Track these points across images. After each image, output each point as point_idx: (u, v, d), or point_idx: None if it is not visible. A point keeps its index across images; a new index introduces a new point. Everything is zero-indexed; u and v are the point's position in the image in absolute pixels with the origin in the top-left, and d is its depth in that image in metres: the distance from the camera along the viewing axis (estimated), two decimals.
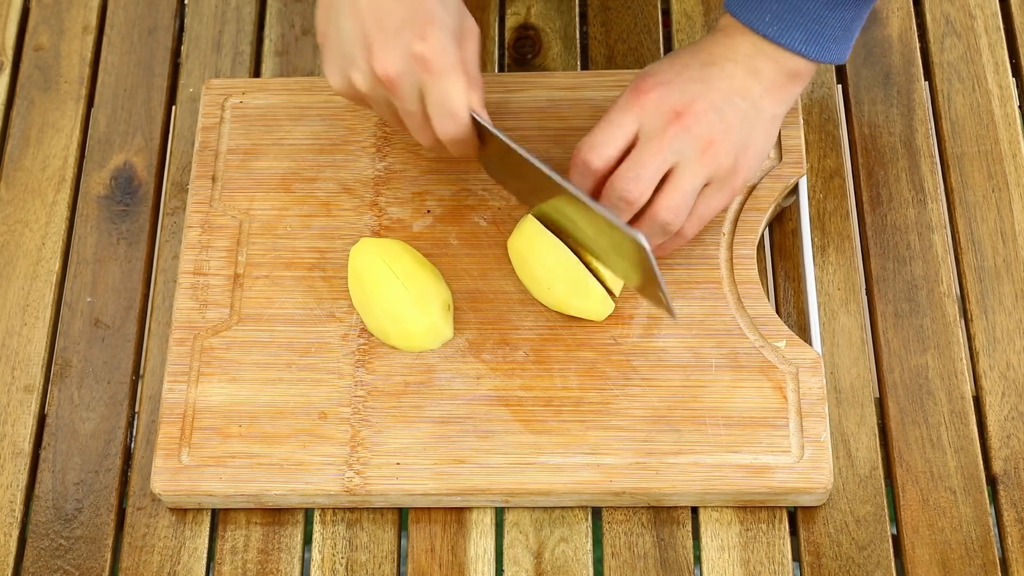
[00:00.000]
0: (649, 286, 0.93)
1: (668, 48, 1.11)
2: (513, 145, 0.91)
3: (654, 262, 0.88)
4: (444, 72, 0.88)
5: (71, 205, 1.08)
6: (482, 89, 0.91)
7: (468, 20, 0.91)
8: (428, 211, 1.02)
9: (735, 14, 0.92)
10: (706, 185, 0.93)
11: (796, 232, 1.02)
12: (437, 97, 0.89)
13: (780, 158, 1.02)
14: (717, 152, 0.91)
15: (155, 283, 1.04)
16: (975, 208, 1.04)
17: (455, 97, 0.89)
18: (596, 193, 0.93)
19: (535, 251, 0.96)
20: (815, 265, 1.02)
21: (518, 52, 1.12)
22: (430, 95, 0.89)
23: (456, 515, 0.96)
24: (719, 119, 0.91)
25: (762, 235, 1.02)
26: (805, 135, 1.05)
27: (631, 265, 0.92)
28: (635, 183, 0.91)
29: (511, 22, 1.13)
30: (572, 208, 0.92)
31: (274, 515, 0.96)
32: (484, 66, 1.11)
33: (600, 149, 0.92)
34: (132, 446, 1.00)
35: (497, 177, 1.00)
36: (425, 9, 0.88)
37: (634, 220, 0.93)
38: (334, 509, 0.96)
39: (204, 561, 0.96)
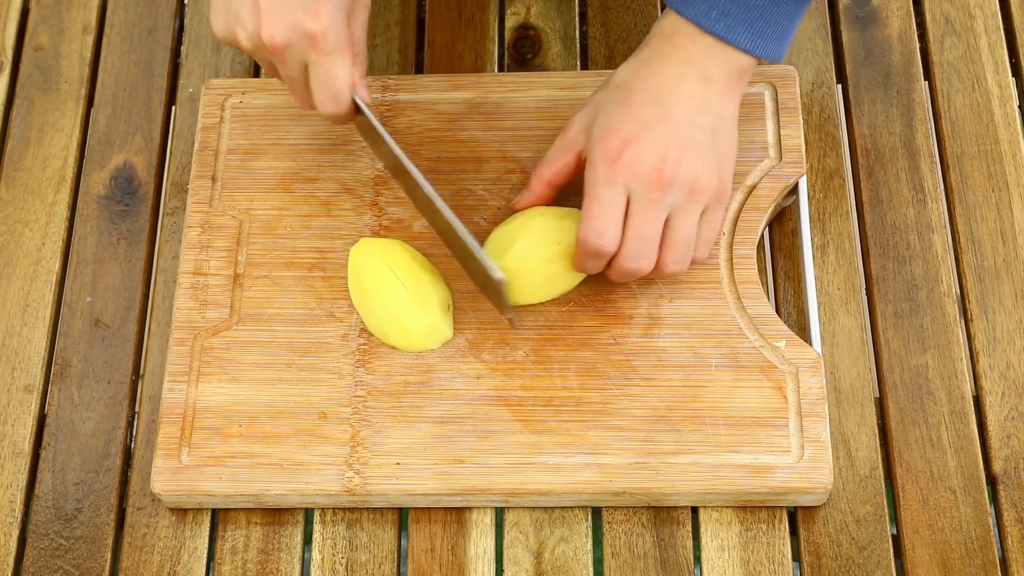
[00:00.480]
0: (496, 301, 0.96)
1: None
2: (385, 135, 0.94)
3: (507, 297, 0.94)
4: (332, 52, 0.89)
5: (71, 205, 1.08)
6: (365, 63, 0.93)
7: None
8: None
9: (680, 11, 0.90)
10: (705, 210, 0.93)
11: (796, 232, 1.02)
12: (321, 76, 0.90)
13: (780, 158, 1.02)
14: (703, 185, 0.91)
15: (155, 283, 1.04)
16: (975, 208, 1.04)
17: (339, 79, 0.90)
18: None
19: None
20: (815, 265, 1.02)
21: (518, 52, 1.12)
22: (314, 72, 0.90)
23: (456, 515, 0.96)
24: (693, 152, 0.90)
25: (762, 235, 1.02)
26: (805, 135, 1.05)
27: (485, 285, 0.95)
28: (642, 257, 0.92)
29: (511, 22, 1.13)
30: (429, 214, 0.97)
31: (274, 515, 0.96)
32: (484, 66, 1.11)
33: (607, 235, 0.91)
34: (132, 446, 1.00)
35: (370, 144, 1.01)
36: None
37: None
38: (334, 509, 0.96)
39: (204, 561, 0.96)
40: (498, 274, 0.91)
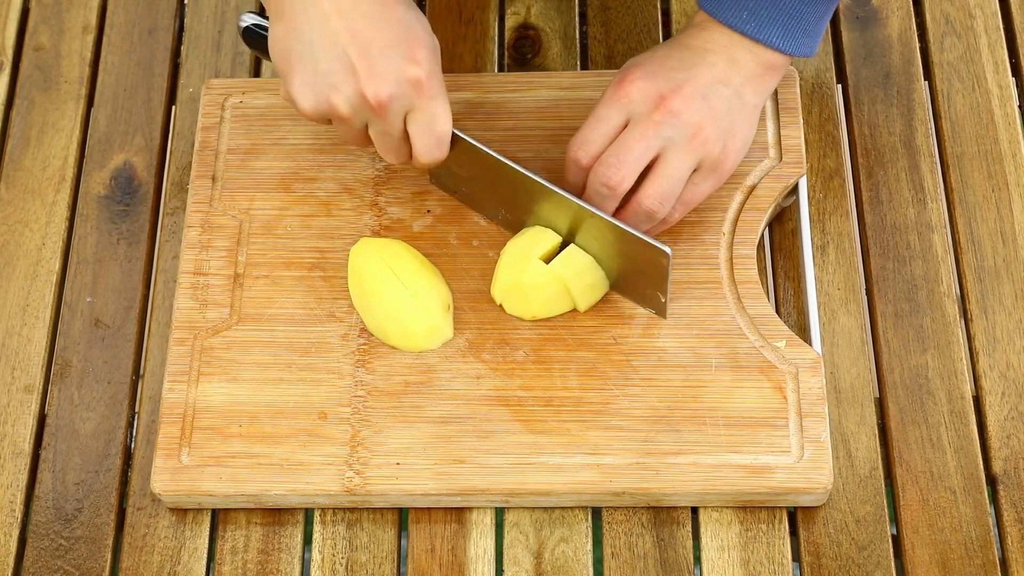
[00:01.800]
0: (647, 290, 0.94)
1: None
2: (506, 160, 0.94)
3: (671, 272, 0.92)
4: (436, 96, 0.89)
5: (71, 205, 1.08)
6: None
7: (433, 36, 0.91)
8: (428, 211, 1.02)
9: (712, 13, 0.93)
10: (694, 171, 0.94)
11: (796, 232, 1.02)
12: (427, 121, 0.90)
13: (780, 158, 1.02)
14: (706, 137, 0.92)
15: (155, 283, 1.04)
16: (975, 208, 1.04)
17: (443, 121, 0.90)
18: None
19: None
20: (815, 265, 1.02)
21: (518, 52, 1.12)
22: (418, 119, 0.90)
23: (456, 515, 0.96)
24: (706, 105, 0.92)
25: (762, 235, 1.02)
26: (805, 135, 1.05)
27: (637, 269, 0.93)
28: (616, 168, 0.92)
29: (511, 22, 1.13)
30: (561, 214, 0.94)
31: (274, 515, 0.96)
32: (484, 66, 1.11)
33: (587, 146, 0.93)
34: (132, 446, 1.00)
35: (448, 187, 1.01)
36: (412, 31, 0.89)
37: (620, 207, 0.94)
38: (334, 509, 0.96)
39: (204, 561, 0.96)
40: (666, 248, 0.91)
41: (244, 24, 0.97)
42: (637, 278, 0.95)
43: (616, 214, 0.94)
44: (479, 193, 0.99)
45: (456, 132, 0.93)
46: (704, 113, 0.92)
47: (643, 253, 0.92)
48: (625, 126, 0.93)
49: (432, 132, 0.90)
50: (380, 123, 0.90)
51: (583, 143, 0.93)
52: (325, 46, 0.88)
